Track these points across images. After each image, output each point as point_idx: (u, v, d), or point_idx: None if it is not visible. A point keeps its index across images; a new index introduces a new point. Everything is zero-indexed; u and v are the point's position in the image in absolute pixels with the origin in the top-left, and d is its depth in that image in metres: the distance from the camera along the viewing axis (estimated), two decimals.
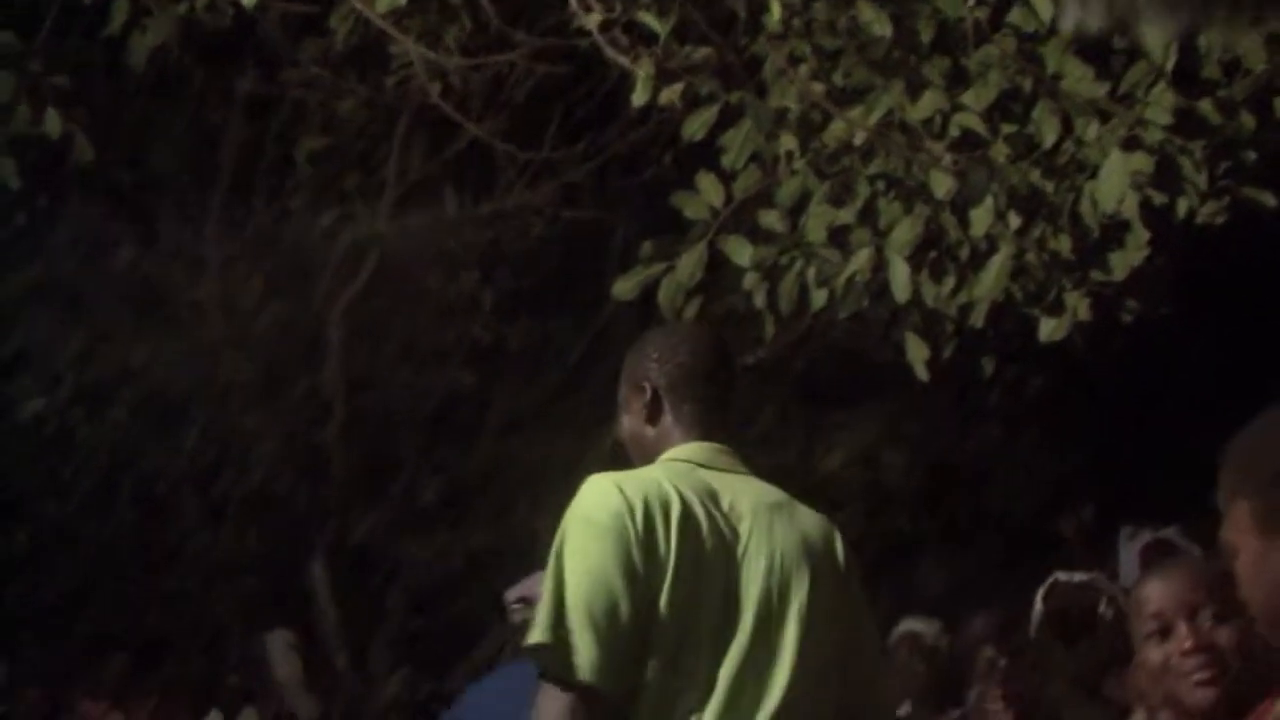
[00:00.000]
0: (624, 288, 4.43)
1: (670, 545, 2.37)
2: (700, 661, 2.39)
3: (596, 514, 2.37)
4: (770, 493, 2.54)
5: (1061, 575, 4.30)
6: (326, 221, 7.60)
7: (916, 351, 4.46)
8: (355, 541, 7.74)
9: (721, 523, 2.44)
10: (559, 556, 2.39)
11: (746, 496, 2.49)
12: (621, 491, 2.39)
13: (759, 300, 4.47)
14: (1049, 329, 4.39)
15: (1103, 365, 6.84)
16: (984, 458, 8.15)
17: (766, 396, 7.70)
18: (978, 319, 4.46)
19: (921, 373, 4.47)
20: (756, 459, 7.93)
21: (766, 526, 2.46)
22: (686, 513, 2.40)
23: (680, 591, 2.37)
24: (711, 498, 2.46)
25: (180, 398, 7.95)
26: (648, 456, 2.59)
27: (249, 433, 7.84)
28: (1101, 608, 4.06)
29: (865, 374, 7.48)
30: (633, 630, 2.34)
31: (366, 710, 7.29)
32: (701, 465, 2.52)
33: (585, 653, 2.31)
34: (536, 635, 2.37)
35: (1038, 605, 4.17)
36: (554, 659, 2.33)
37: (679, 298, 4.36)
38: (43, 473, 8.33)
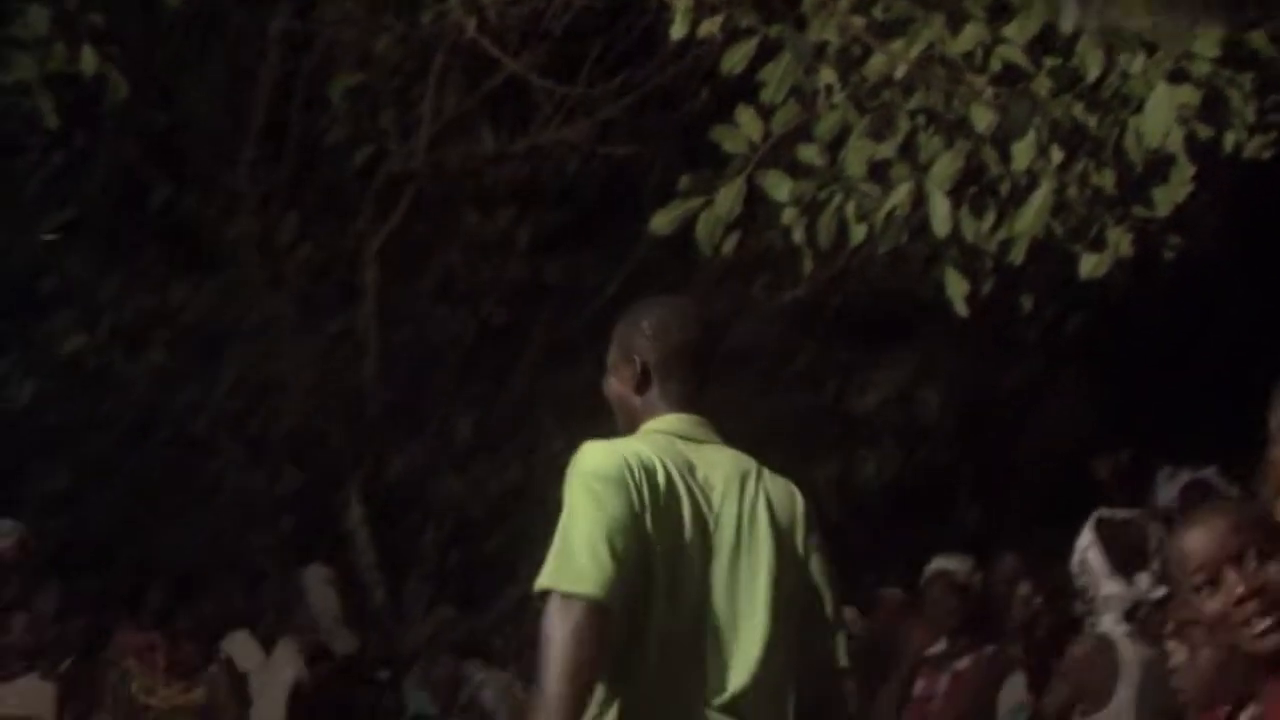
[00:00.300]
0: (662, 222, 4.40)
1: (660, 502, 2.60)
2: (687, 609, 2.62)
3: (603, 469, 2.60)
4: (742, 462, 2.74)
5: (1106, 511, 4.28)
6: (361, 159, 7.58)
7: (956, 287, 4.42)
8: (391, 478, 7.78)
9: (698, 492, 2.66)
10: (570, 506, 2.61)
11: (720, 467, 2.71)
12: (619, 453, 2.64)
13: (797, 236, 4.43)
14: (1090, 265, 4.34)
15: (1143, 303, 6.78)
16: (1021, 397, 8.12)
17: (803, 334, 7.69)
18: (1018, 255, 4.42)
19: (961, 308, 4.44)
20: (792, 397, 7.85)
21: (737, 494, 2.68)
22: (669, 480, 2.63)
23: (668, 541, 2.61)
24: (689, 468, 2.68)
25: (217, 336, 7.99)
26: (632, 421, 2.81)
27: (285, 370, 7.87)
28: (1151, 544, 4.04)
29: (902, 312, 7.45)
30: (635, 562, 2.56)
31: (403, 645, 7.36)
32: (681, 437, 2.73)
33: (594, 573, 2.51)
34: (545, 580, 2.56)
35: (1085, 539, 4.14)
36: (565, 578, 2.53)
37: (717, 232, 4.33)
38: (82, 410, 8.40)
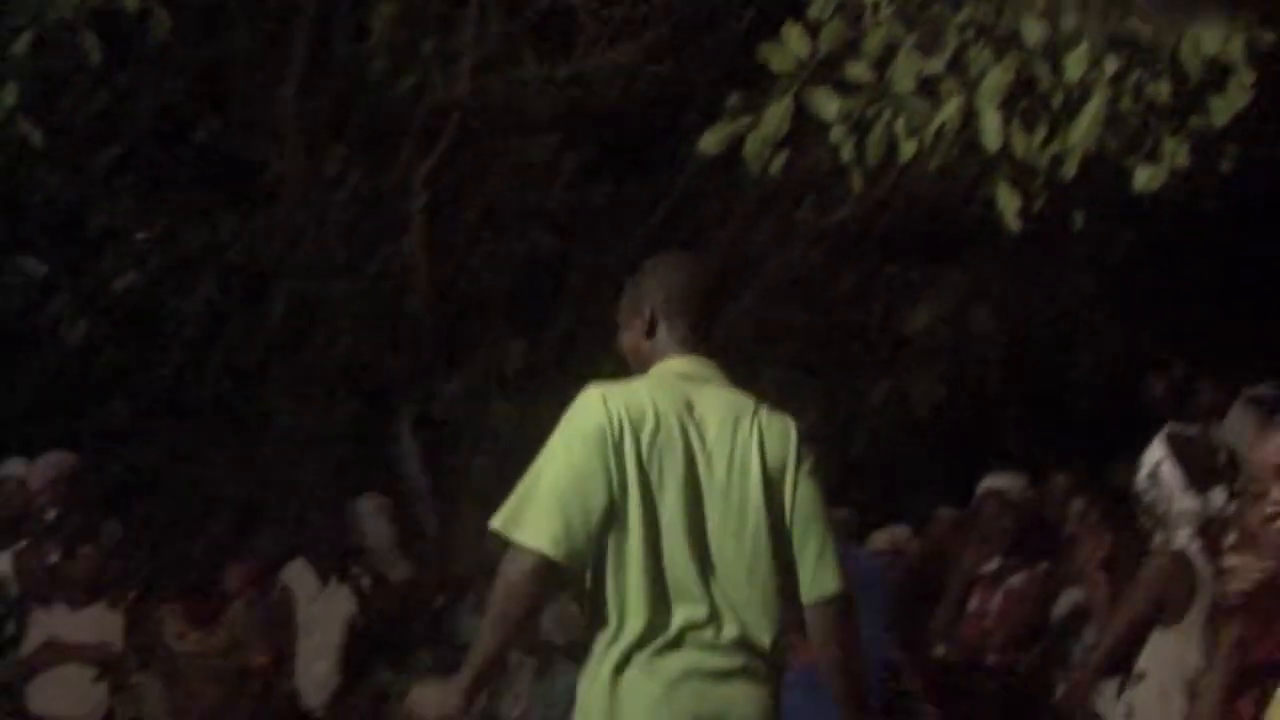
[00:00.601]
0: (710, 142, 4.38)
1: (640, 450, 2.81)
2: (671, 544, 2.82)
3: (583, 423, 2.83)
4: (739, 401, 2.93)
5: (1176, 426, 4.25)
6: (404, 90, 7.55)
7: (1008, 201, 4.39)
8: (441, 406, 7.82)
9: (692, 430, 2.86)
10: (546, 451, 2.85)
11: (717, 406, 2.90)
12: (606, 406, 2.84)
13: (846, 154, 4.40)
14: (1145, 178, 4.29)
15: (1198, 217, 6.69)
16: (1072, 315, 8.05)
17: (851, 256, 7.65)
18: (1070, 170, 4.37)
19: (1013, 224, 4.40)
20: (841, 319, 7.81)
21: (730, 431, 2.87)
22: (658, 424, 2.83)
23: (648, 487, 2.81)
24: (688, 406, 2.88)
25: (265, 270, 8.02)
26: (644, 366, 3.01)
27: (334, 302, 7.90)
28: (1220, 459, 4.01)
29: (951, 232, 7.39)
30: (595, 519, 2.78)
31: (457, 572, 7.42)
32: (683, 377, 2.93)
33: (547, 528, 2.75)
34: (499, 522, 2.82)
35: (1156, 453, 4.12)
36: (519, 527, 2.78)
37: (765, 152, 4.31)
38: (136, 346, 8.48)
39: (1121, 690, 4.14)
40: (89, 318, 8.16)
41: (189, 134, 7.97)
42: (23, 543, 6.89)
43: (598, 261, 7.60)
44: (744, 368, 8.52)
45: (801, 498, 2.89)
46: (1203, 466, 4.04)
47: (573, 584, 2.87)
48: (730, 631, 2.83)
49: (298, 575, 7.18)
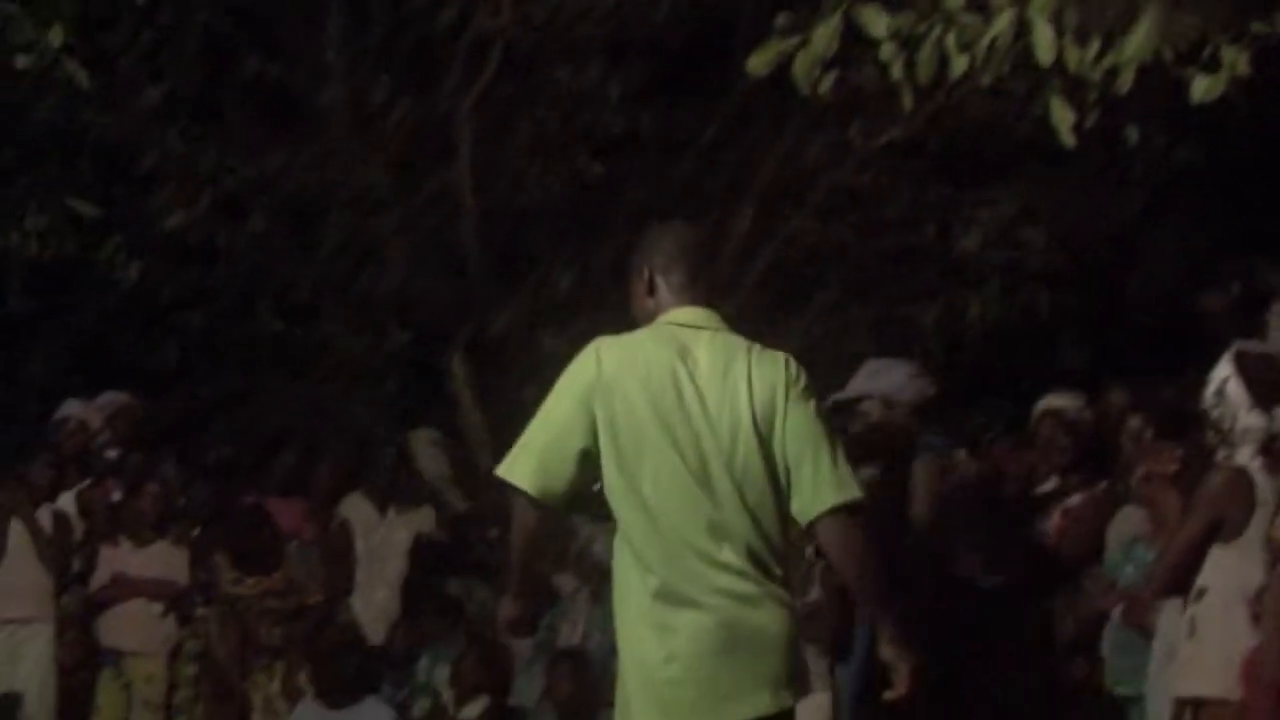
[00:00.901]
0: (758, 62, 4.31)
1: (631, 398, 3.10)
2: (672, 477, 3.09)
3: (573, 377, 3.16)
4: (733, 343, 3.21)
5: (1244, 343, 4.21)
6: (449, 18, 7.50)
7: (1062, 116, 4.30)
8: (493, 336, 7.82)
9: (683, 373, 3.14)
10: (547, 400, 3.17)
11: (711, 350, 3.17)
12: (599, 359, 3.15)
13: (896, 71, 4.32)
14: (1203, 88, 4.19)
15: (1257, 129, 6.56)
16: (1127, 232, 7.95)
17: (902, 176, 7.57)
18: (1124, 83, 4.27)
19: (1067, 138, 4.32)
20: (892, 241, 7.75)
21: (722, 371, 3.13)
22: (649, 372, 3.12)
23: (643, 429, 3.10)
24: (682, 352, 3.16)
25: (315, 203, 8.03)
26: (651, 321, 3.29)
27: (384, 234, 7.90)
28: None
29: (1003, 150, 7.29)
30: (571, 466, 3.11)
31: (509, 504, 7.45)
32: (682, 325, 3.22)
33: (536, 471, 3.11)
34: (500, 467, 3.19)
35: (1224, 370, 4.08)
36: (514, 471, 3.15)
37: (814, 71, 4.24)
38: (188, 284, 8.53)
39: (1185, 607, 4.13)
40: (142, 257, 8.21)
41: (235, 69, 7.96)
42: (86, 482, 7.00)
43: (646, 187, 7.56)
44: (794, 293, 8.50)
45: (793, 422, 3.10)
46: (1269, 384, 4.00)
47: (588, 510, 3.24)
48: (737, 557, 3.05)
49: (356, 507, 7.24)
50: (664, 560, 3.05)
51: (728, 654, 3.02)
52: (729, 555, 3.05)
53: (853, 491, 3.11)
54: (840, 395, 4.60)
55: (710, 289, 3.26)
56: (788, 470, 3.10)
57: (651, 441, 3.08)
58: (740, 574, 3.05)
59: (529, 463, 3.12)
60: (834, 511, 3.10)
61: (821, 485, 3.10)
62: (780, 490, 3.10)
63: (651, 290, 3.26)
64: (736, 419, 3.09)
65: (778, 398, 3.12)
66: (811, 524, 3.12)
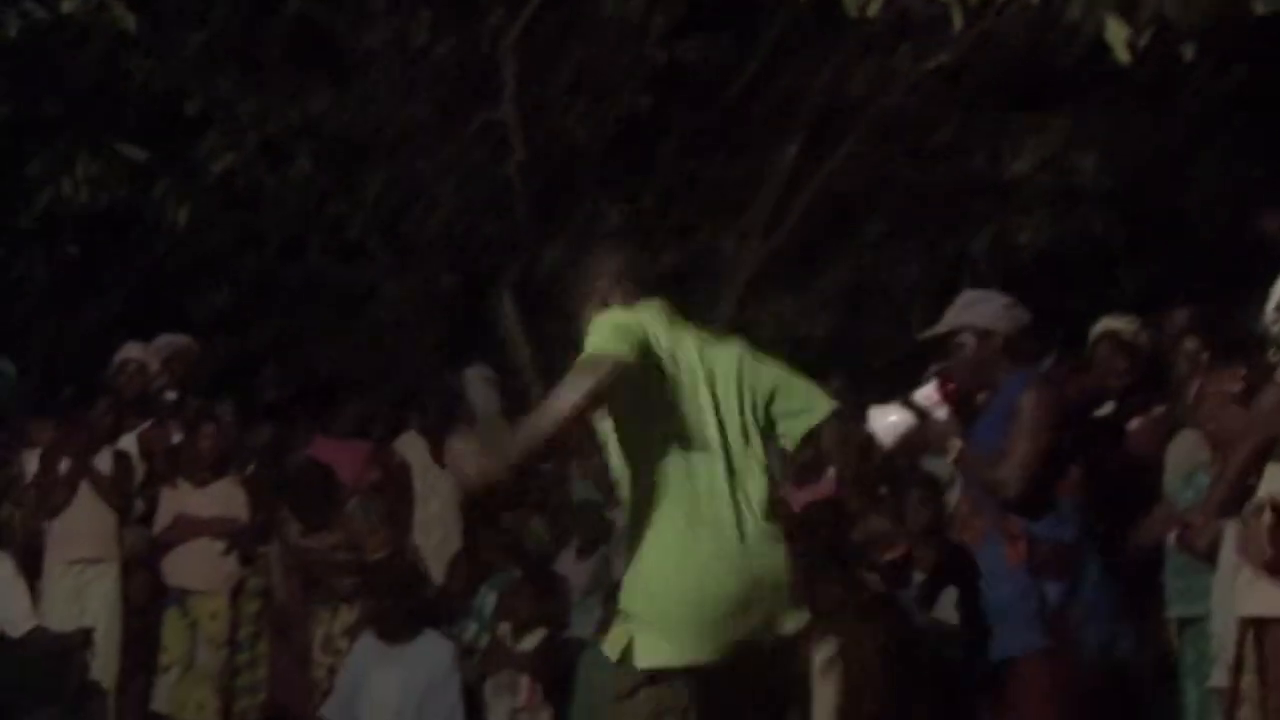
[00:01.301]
0: None
1: (663, 344, 3.32)
2: (695, 421, 3.33)
3: (621, 317, 3.33)
4: (693, 330, 3.46)
5: None
6: None
7: (1117, 33, 4.23)
8: (542, 273, 7.82)
9: (680, 335, 3.38)
10: (591, 335, 3.26)
11: (683, 331, 3.43)
12: (634, 314, 3.36)
13: None
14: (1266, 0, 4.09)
15: None
16: (1181, 154, 7.82)
17: (951, 102, 7.47)
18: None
19: (1122, 54, 4.25)
20: (942, 167, 7.60)
21: (699, 341, 3.41)
22: (659, 329, 3.34)
23: (676, 373, 3.33)
24: (670, 324, 3.40)
25: (360, 143, 8.02)
26: None
27: (430, 172, 7.89)
28: None
29: (1053, 74, 7.18)
30: (640, 369, 3.24)
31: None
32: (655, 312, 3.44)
33: (614, 345, 3.23)
34: (587, 347, 3.24)
35: None
36: (601, 345, 3.23)
37: None
38: (236, 228, 8.56)
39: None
40: (191, 201, 8.24)
41: (278, 12, 7.95)
42: (146, 423, 7.07)
43: (693, 119, 7.51)
44: (843, 224, 8.39)
45: (763, 373, 3.44)
46: None
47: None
48: (749, 496, 3.31)
49: (411, 446, 7.29)
50: (693, 497, 3.28)
51: (755, 584, 3.27)
52: (745, 494, 3.33)
53: (836, 402, 3.48)
54: (933, 329, 4.53)
55: (657, 289, 3.49)
56: (770, 403, 3.42)
57: (686, 386, 3.33)
58: (755, 513, 3.33)
59: (624, 343, 3.25)
60: (832, 416, 3.45)
61: (813, 400, 3.46)
62: (761, 437, 3.40)
63: (610, 298, 3.46)
64: (727, 376, 3.39)
65: (744, 360, 3.45)
66: (811, 434, 3.45)
